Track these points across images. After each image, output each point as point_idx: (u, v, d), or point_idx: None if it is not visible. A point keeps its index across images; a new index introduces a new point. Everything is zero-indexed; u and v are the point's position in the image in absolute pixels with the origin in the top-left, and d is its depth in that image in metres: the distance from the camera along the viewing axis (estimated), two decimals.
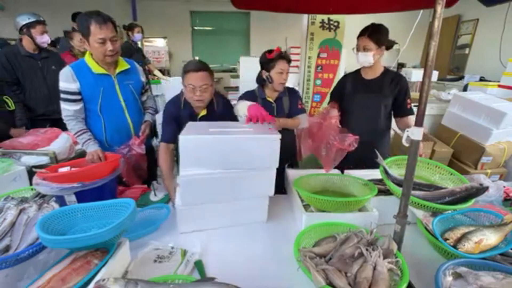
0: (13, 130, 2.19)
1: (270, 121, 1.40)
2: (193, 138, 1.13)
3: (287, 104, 1.87)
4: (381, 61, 1.84)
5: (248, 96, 1.84)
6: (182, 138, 1.10)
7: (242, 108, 1.50)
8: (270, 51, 1.74)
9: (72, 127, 1.64)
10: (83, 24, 1.51)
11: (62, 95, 1.60)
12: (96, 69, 1.61)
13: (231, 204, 1.24)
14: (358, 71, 1.93)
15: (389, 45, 1.77)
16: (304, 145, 1.81)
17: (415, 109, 1.25)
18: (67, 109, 1.61)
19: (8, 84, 2.40)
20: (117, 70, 1.69)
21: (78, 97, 1.61)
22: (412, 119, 1.83)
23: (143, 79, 1.87)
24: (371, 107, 1.84)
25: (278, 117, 1.78)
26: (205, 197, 1.19)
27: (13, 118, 2.31)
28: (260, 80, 1.84)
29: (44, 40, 2.53)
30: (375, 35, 1.69)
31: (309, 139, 1.68)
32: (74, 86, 1.58)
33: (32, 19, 2.44)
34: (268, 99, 1.83)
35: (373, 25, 1.72)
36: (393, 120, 1.93)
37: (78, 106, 1.63)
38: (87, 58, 1.62)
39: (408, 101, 1.81)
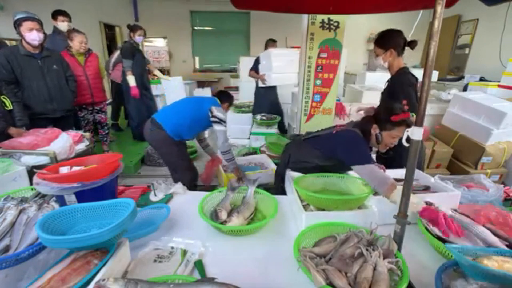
0: (12, 129, 2.18)
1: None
2: None
3: None
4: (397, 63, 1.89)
5: (363, 143, 1.52)
6: None
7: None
8: (396, 113, 1.44)
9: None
10: (229, 99, 2.50)
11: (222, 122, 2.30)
12: None
13: None
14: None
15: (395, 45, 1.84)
16: None
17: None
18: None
19: (7, 83, 2.39)
20: None
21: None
22: None
23: None
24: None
25: None
26: None
27: (12, 117, 2.30)
28: (365, 130, 1.55)
29: (33, 37, 2.42)
30: (380, 40, 1.88)
31: None
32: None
33: (19, 16, 2.38)
34: None
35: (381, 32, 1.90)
36: None
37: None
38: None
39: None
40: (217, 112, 2.27)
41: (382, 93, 2.06)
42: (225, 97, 2.47)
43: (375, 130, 1.51)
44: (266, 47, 4.34)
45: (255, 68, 4.17)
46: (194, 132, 2.43)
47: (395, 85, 1.85)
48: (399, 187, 1.17)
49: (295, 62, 3.80)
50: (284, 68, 4.04)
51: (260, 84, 4.12)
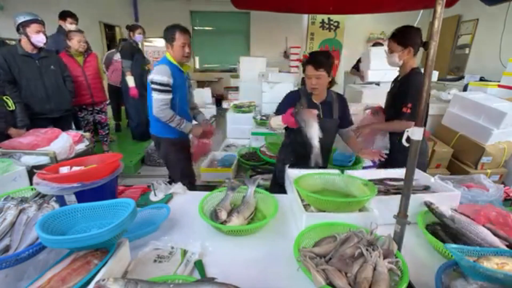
0: (12, 129, 2.18)
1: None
2: None
3: (337, 110, 1.83)
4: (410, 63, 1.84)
5: (291, 96, 1.83)
6: None
7: (276, 120, 1.69)
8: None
9: (167, 114, 1.99)
10: (170, 33, 1.96)
11: (158, 87, 1.94)
12: (180, 67, 2.06)
13: None
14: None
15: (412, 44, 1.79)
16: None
17: None
18: (165, 98, 1.97)
19: (8, 82, 2.40)
20: (185, 70, 2.14)
21: (170, 89, 1.99)
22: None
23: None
24: (396, 106, 1.84)
25: (324, 119, 1.77)
26: None
27: (13, 117, 2.30)
28: (302, 81, 1.85)
29: (39, 39, 2.49)
30: (398, 36, 1.79)
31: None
32: (171, 81, 1.97)
33: (27, 18, 2.42)
34: (314, 101, 1.78)
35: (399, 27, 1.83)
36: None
37: (170, 96, 2.01)
38: (171, 59, 2.02)
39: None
40: (152, 76, 1.95)
41: (389, 93, 2.02)
42: (165, 33, 2.01)
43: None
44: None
45: (356, 67, 4.53)
46: (184, 107, 2.16)
47: (408, 86, 1.77)
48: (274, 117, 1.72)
49: None
50: (382, 65, 4.17)
51: (359, 82, 4.32)
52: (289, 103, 1.76)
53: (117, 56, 4.36)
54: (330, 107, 1.81)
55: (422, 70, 0.87)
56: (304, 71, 1.74)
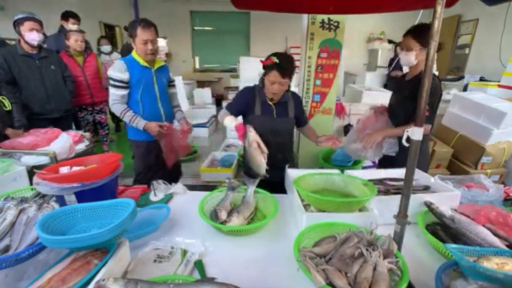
0: (9, 130, 2.17)
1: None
2: None
3: (293, 109, 1.81)
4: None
5: (246, 93, 1.78)
6: None
7: (229, 123, 1.66)
8: (268, 57, 1.63)
9: (117, 108, 1.98)
10: (132, 28, 1.89)
11: (111, 82, 1.94)
12: (143, 63, 1.98)
13: None
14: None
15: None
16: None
17: None
18: (116, 94, 1.96)
19: (6, 83, 2.39)
20: (156, 66, 2.06)
21: (126, 85, 1.97)
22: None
23: (171, 76, 2.27)
24: (408, 108, 1.76)
25: (278, 119, 1.75)
26: None
27: (10, 118, 2.29)
28: (261, 80, 1.75)
29: (33, 37, 2.44)
30: (419, 34, 1.65)
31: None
32: (125, 76, 1.94)
33: (20, 16, 2.40)
34: (268, 102, 1.74)
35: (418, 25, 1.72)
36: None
37: (125, 92, 1.98)
38: (134, 55, 1.98)
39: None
40: (108, 71, 1.97)
41: (396, 93, 1.97)
42: (128, 28, 1.98)
43: (263, 77, 1.68)
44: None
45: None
46: (153, 105, 2.08)
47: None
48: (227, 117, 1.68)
49: None
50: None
51: None
52: (242, 100, 1.77)
53: (102, 58, 4.20)
54: (285, 107, 1.79)
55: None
56: (266, 73, 1.64)
